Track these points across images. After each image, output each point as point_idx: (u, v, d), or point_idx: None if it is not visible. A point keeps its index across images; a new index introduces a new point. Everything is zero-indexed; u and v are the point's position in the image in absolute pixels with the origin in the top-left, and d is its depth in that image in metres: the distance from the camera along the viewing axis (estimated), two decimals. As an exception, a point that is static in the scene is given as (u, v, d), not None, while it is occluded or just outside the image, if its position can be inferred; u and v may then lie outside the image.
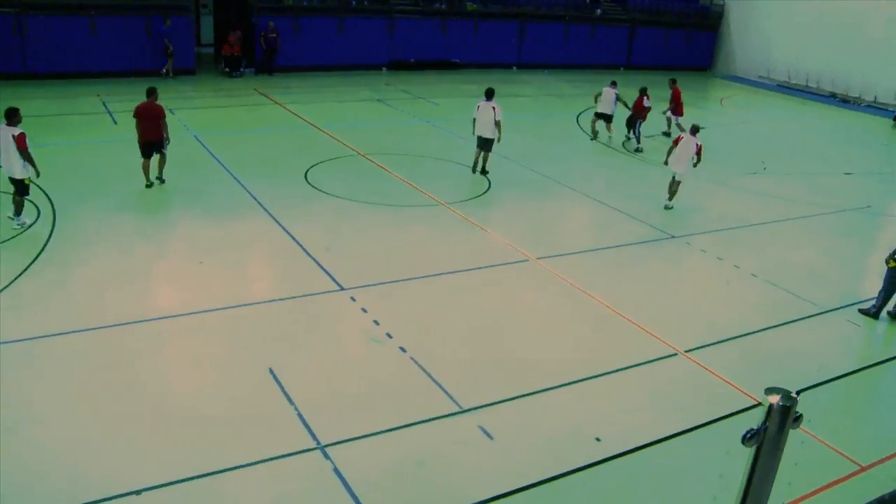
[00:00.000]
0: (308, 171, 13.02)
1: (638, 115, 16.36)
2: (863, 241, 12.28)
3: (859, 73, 27.93)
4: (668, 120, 17.96)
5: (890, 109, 24.90)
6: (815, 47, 29.47)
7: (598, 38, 30.15)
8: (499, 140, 13.26)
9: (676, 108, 17.39)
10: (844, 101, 28.24)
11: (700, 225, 12.11)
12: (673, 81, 17.58)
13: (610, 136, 16.98)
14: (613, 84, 17.15)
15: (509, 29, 28.08)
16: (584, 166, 15.09)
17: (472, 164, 13.63)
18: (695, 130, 12.78)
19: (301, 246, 9.72)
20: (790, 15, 30.50)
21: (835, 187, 15.17)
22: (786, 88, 30.31)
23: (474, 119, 13.28)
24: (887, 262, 9.02)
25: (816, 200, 14.26)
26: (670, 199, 12.72)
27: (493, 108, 13.25)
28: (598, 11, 30.05)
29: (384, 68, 25.80)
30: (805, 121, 23.33)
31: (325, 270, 9.09)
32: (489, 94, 13.45)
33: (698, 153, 12.58)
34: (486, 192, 12.69)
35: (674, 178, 12.77)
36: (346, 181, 12.61)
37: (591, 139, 16.84)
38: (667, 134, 17.71)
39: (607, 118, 16.77)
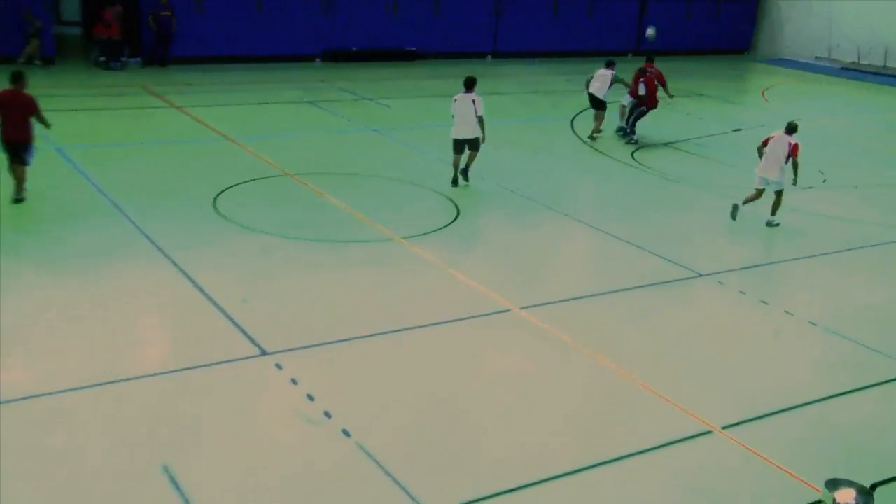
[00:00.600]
0: (218, 198, 13.07)
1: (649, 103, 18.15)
2: (869, 265, 12.61)
3: None
4: (627, 111, 18.73)
5: None
6: None
7: (598, 16, 30.98)
8: (483, 139, 14.14)
9: (648, 97, 18.28)
10: None
11: (737, 258, 12.39)
12: (650, 62, 18.50)
13: (594, 136, 18.22)
14: (610, 65, 18.06)
15: (481, 7, 28.71)
16: (581, 184, 15.42)
17: (451, 177, 14.37)
18: (791, 130, 13.57)
19: (209, 297, 9.71)
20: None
21: (856, 207, 15.63)
22: (854, 72, 31.38)
23: (452, 116, 14.08)
24: None
25: (893, 219, 14.71)
26: (773, 210, 13.69)
27: (474, 101, 14.08)
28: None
29: (318, 59, 26.12)
30: (881, 115, 24.07)
31: (241, 329, 9.08)
32: (469, 85, 14.22)
33: (794, 154, 13.37)
34: (453, 221, 12.86)
35: (763, 189, 13.70)
36: (270, 211, 12.69)
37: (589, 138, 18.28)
38: (623, 130, 18.66)
39: (598, 104, 17.95)
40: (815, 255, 12.69)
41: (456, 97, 14.31)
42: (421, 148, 16.77)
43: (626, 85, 18.27)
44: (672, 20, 32.62)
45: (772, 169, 13.69)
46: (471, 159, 14.48)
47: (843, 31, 32.16)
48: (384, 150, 16.62)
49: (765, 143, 13.85)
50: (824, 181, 16.55)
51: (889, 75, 30.63)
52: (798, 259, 12.47)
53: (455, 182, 14.36)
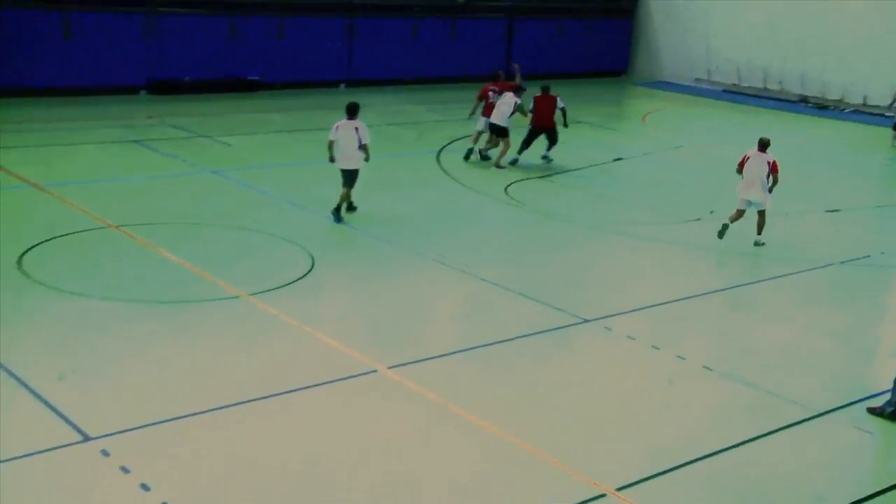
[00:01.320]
0: (24, 256, 12.60)
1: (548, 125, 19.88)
2: (863, 309, 13.35)
3: (839, 68, 31.10)
4: (479, 135, 20.26)
5: (888, 115, 27.59)
6: (776, 36, 32.68)
7: (462, 36, 31.79)
8: (366, 159, 15.08)
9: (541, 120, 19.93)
10: (821, 108, 31.31)
11: (623, 300, 12.78)
12: (546, 89, 20.06)
13: (501, 165, 19.49)
14: (517, 89, 19.70)
15: (332, 30, 28.98)
16: (452, 224, 15.62)
17: (337, 207, 15.18)
18: (764, 146, 15.02)
19: (17, 377, 9.30)
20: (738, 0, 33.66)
21: (817, 232, 16.53)
22: (735, 95, 33.28)
23: (330, 143, 15.00)
24: None
25: (791, 253, 15.42)
26: (758, 230, 15.18)
27: (357, 128, 14.89)
28: None
29: (143, 91, 25.65)
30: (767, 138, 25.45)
31: (58, 413, 8.71)
32: (351, 112, 15.05)
33: (774, 171, 14.88)
34: (308, 273, 12.80)
35: (744, 210, 15.16)
36: (90, 270, 12.34)
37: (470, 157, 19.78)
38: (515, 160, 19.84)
39: (500, 132, 19.33)
40: (706, 293, 13.21)
41: (338, 124, 15.00)
42: (269, 191, 16.66)
43: (525, 113, 19.62)
44: (541, 40, 33.83)
45: (754, 189, 15.02)
46: (345, 195, 15.25)
47: (722, 51, 34.07)
48: (226, 195, 16.45)
49: (741, 165, 15.16)
50: (712, 213, 17.31)
51: (769, 97, 32.58)
52: (689, 298, 12.95)
53: (337, 216, 15.10)
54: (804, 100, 32.03)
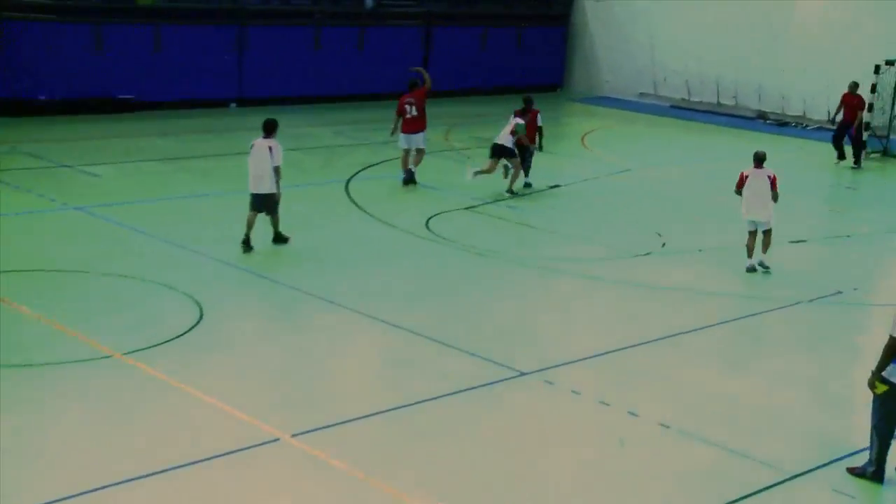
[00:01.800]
0: None
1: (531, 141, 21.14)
2: (836, 354, 13.55)
3: (801, 80, 31.88)
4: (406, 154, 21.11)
5: (830, 129, 27.99)
6: (729, 46, 33.38)
7: (372, 46, 31.91)
8: (278, 196, 15.67)
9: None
10: (781, 125, 32.15)
11: (565, 349, 12.83)
12: (528, 101, 21.56)
13: (513, 191, 20.68)
14: (527, 106, 21.24)
15: (219, 41, 28.84)
16: (366, 265, 15.60)
17: (242, 238, 15.62)
18: (760, 160, 16.22)
19: None
20: (686, 3, 34.35)
21: (781, 266, 16.81)
22: (685, 111, 33.99)
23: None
24: (872, 385, 9.73)
25: (754, 291, 15.69)
26: (764, 250, 16.21)
27: (271, 147, 15.45)
28: (370, 3, 31.98)
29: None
30: (721, 159, 25.87)
31: None
32: (267, 129, 15.60)
33: (774, 186, 16.06)
34: (195, 325, 12.62)
35: (755, 230, 16.22)
36: (-73, 328, 11.96)
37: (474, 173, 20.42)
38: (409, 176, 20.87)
39: (506, 152, 20.52)
40: (659, 339, 13.33)
41: (253, 143, 15.64)
42: (146, 230, 16.43)
43: (520, 139, 20.62)
44: (464, 52, 34.17)
45: (759, 209, 16.07)
46: (274, 224, 15.84)
47: (669, 63, 34.78)
48: (95, 236, 16.20)
49: (740, 185, 16.18)
50: (664, 246, 17.54)
51: (723, 114, 33.36)
52: (640, 345, 13.04)
53: (246, 246, 15.51)
54: (762, 116, 32.81)
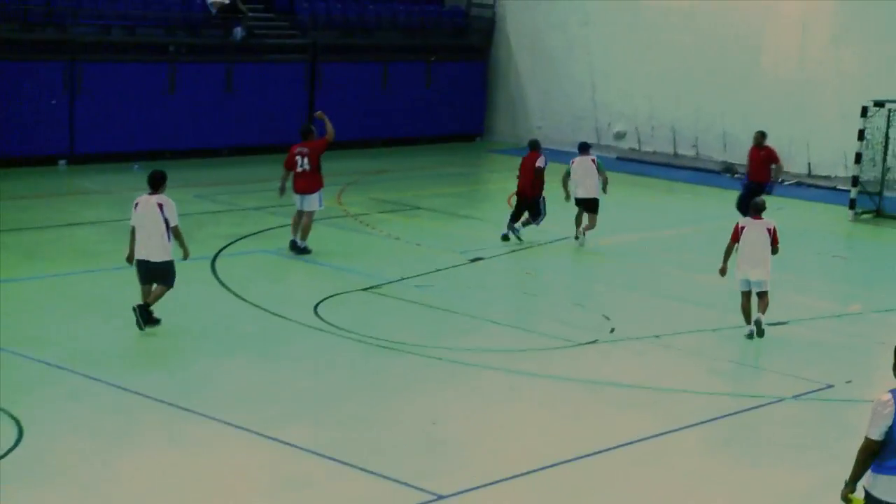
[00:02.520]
0: None
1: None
2: (831, 467, 13.42)
3: (773, 127, 31.73)
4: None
5: (841, 189, 29.08)
6: (687, 84, 34.09)
7: (242, 88, 31.84)
8: (185, 254, 16.71)
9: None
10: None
11: (490, 465, 12.67)
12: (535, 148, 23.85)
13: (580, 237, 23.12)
14: (585, 148, 23.84)
15: (43, 83, 28.41)
16: (238, 360, 15.52)
17: (137, 318, 16.08)
18: (759, 210, 17.26)
19: None
20: (634, 32, 34.97)
21: (760, 355, 17.05)
22: (634, 164, 34.44)
23: (132, 230, 16.13)
24: (844, 499, 9.75)
25: (728, 384, 15.90)
26: (762, 312, 17.06)
27: (160, 205, 16.00)
28: (239, 33, 31.92)
29: None
30: (680, 223, 26.36)
31: None
32: (154, 183, 16.13)
33: (775, 241, 17.10)
34: (12, 448, 12.27)
35: (749, 291, 17.12)
36: None
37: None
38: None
39: (590, 205, 22.95)
40: (604, 450, 13.16)
41: (137, 200, 16.22)
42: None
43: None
44: (360, 92, 34.39)
45: (755, 266, 17.03)
46: (155, 294, 16.28)
47: (615, 104, 35.32)
48: None
49: (735, 238, 17.16)
50: (612, 331, 17.59)
51: (682, 167, 33.88)
52: (581, 458, 12.88)
53: (142, 322, 16.01)
54: (728, 169, 33.38)
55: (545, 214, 23.24)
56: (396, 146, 34.15)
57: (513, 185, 23.92)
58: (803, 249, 25.19)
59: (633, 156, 34.81)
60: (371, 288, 19.26)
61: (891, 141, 27.90)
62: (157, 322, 16.19)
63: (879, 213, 28.06)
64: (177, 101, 30.43)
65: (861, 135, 27.55)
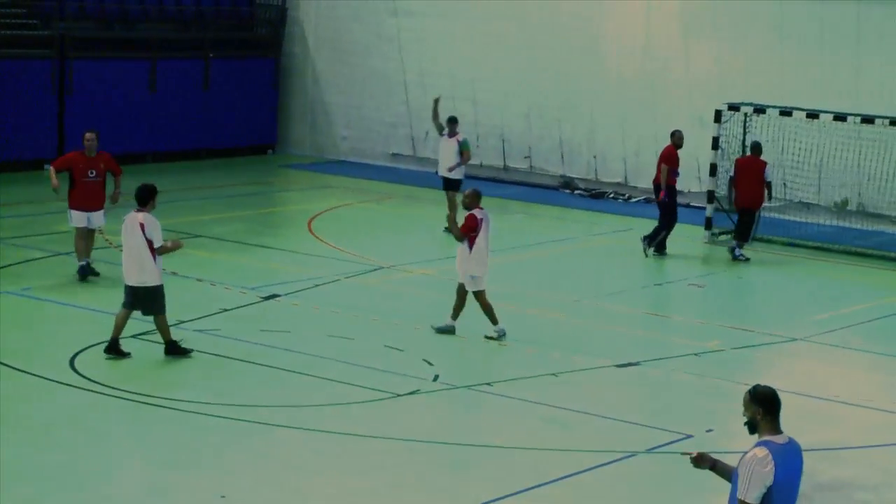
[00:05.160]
0: None
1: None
2: None
3: (619, 133, 33.02)
4: None
5: (696, 206, 29.67)
6: (517, 84, 34.27)
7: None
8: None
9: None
10: (595, 196, 33.15)
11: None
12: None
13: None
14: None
15: None
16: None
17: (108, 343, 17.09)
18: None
19: None
20: (452, 23, 35.03)
21: (606, 400, 17.25)
22: (507, 185, 34.29)
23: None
24: None
25: (569, 440, 15.89)
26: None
27: (142, 224, 17.14)
28: None
29: None
30: (514, 248, 26.26)
31: None
32: (141, 198, 17.27)
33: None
34: None
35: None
36: None
37: None
38: None
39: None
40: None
41: (125, 218, 17.30)
42: None
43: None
44: (118, 96, 33.89)
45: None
46: (160, 329, 17.49)
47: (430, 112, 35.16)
48: None
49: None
50: (435, 379, 17.55)
51: (511, 182, 34.10)
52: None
53: (112, 351, 17.26)
54: (567, 184, 33.86)
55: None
56: (170, 161, 33.67)
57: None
58: (654, 277, 25.53)
59: (502, 177, 34.78)
60: (141, 335, 18.85)
61: (748, 149, 28.23)
62: (187, 352, 17.82)
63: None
64: None
65: (715, 143, 27.93)
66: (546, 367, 18.18)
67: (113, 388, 16.60)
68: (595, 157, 33.47)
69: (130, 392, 16.42)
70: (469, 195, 19.66)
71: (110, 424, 15.72)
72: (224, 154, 35.99)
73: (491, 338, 19.30)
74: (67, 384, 16.79)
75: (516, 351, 19.13)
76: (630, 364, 18.50)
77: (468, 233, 19.16)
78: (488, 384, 17.47)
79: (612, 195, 33.01)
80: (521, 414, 16.56)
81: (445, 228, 24.49)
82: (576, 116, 33.43)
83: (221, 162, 35.54)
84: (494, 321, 19.36)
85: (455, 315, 19.54)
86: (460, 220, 19.45)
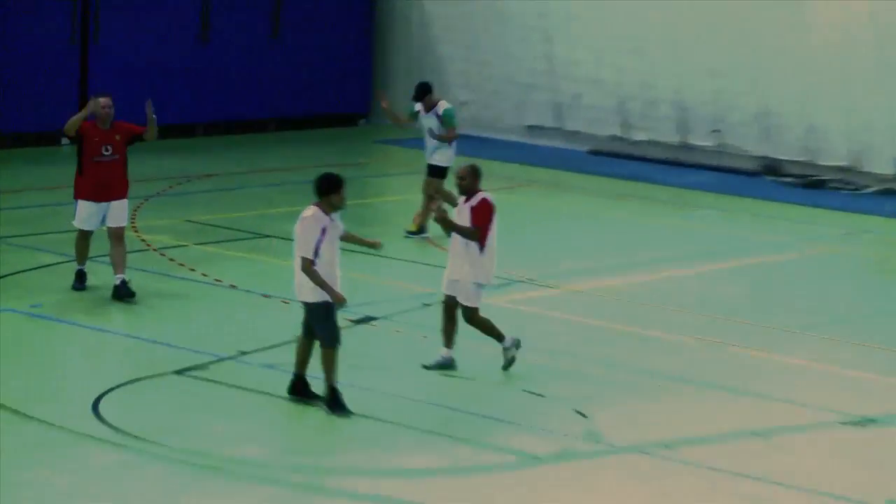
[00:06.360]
0: None
1: None
2: None
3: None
4: None
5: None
6: (701, 35, 34.56)
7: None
8: None
9: None
10: (810, 184, 33.47)
11: None
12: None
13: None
14: None
15: None
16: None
17: None
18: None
19: None
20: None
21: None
22: (623, 161, 35.24)
23: None
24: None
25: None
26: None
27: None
28: None
29: None
30: (681, 257, 26.40)
31: None
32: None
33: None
34: None
35: None
36: None
37: None
38: None
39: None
40: None
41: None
42: None
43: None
44: (166, 52, 34.68)
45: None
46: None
47: (584, 67, 35.49)
48: None
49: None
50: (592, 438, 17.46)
51: (685, 164, 34.49)
52: None
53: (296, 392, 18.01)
54: (772, 169, 34.12)
55: None
56: (226, 134, 34.00)
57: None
58: None
59: (617, 149, 34.88)
60: (188, 370, 19.01)
61: None
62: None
63: None
64: None
65: None
66: (743, 421, 18.06)
67: (151, 441, 16.66)
68: (810, 132, 33.23)
69: (170, 448, 16.47)
70: (467, 173, 19.56)
71: (152, 495, 15.69)
72: (300, 126, 36.26)
73: (511, 360, 19.52)
74: (90, 435, 16.87)
75: (702, 398, 19.14)
76: (864, 421, 18.28)
77: (485, 224, 19.13)
78: (665, 446, 17.32)
79: (833, 184, 32.76)
80: (713, 490, 16.35)
81: (409, 232, 26.60)
82: (783, 78, 33.23)
83: (296, 136, 35.79)
84: (501, 337, 19.55)
85: (449, 341, 19.58)
86: (463, 217, 19.43)
